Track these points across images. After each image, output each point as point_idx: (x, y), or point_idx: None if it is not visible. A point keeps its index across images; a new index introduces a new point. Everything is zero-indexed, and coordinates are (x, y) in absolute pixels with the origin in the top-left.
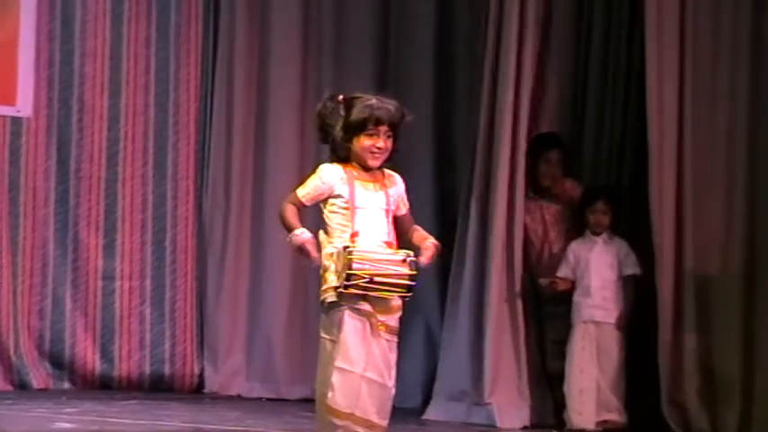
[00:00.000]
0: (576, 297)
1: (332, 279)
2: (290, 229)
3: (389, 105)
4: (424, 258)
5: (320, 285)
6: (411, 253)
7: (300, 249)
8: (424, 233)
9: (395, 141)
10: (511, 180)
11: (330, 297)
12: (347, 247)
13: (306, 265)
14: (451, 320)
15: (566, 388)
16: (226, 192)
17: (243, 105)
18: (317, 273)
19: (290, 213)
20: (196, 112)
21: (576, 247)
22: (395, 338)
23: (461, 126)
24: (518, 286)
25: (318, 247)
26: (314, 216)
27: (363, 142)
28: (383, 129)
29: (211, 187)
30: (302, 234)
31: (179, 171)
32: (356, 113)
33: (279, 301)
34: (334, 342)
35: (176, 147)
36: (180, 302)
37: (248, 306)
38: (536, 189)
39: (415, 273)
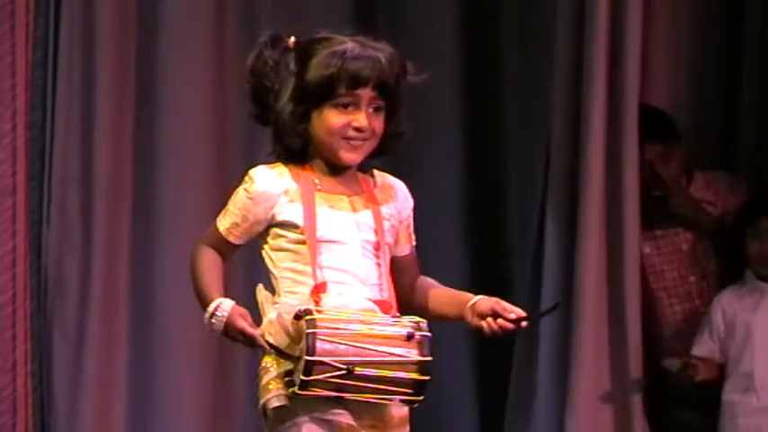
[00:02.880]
0: (729, 393)
1: (277, 370)
2: (203, 300)
3: (378, 53)
4: (501, 320)
5: (256, 381)
6: (423, 322)
7: (228, 334)
8: (451, 290)
9: (391, 118)
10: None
11: (276, 400)
12: (305, 312)
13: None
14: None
15: None
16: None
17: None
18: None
19: (205, 268)
20: None
21: (727, 303)
22: None
23: (511, 102)
24: (635, 375)
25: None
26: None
27: (331, 119)
28: (366, 94)
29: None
30: (221, 308)
31: None
32: (317, 68)
33: None
34: None
35: None
36: None
37: None
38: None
39: (429, 359)
